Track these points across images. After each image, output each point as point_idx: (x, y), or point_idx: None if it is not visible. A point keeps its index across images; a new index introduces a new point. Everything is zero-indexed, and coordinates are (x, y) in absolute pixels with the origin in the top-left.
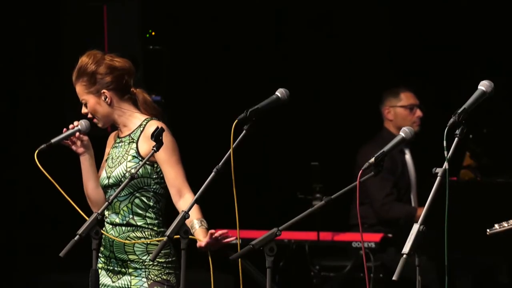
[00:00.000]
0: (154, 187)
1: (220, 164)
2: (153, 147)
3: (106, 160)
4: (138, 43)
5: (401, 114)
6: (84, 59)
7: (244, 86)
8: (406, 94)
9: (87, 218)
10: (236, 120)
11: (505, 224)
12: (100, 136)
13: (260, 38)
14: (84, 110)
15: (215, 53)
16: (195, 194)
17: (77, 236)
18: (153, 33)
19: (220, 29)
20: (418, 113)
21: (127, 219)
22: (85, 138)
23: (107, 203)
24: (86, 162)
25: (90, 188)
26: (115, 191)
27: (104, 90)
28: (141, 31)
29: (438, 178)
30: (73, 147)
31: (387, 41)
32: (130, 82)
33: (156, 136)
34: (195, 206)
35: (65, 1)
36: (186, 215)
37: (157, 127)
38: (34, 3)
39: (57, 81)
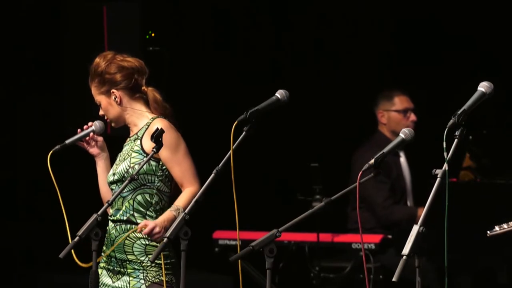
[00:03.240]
0: (158, 184)
1: (220, 165)
2: (153, 148)
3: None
4: (138, 44)
5: (395, 118)
6: (96, 60)
7: (244, 87)
8: (400, 98)
9: (70, 239)
10: (236, 122)
11: (505, 225)
12: (116, 136)
13: (260, 39)
14: (101, 112)
15: (215, 54)
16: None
17: (77, 238)
18: (153, 34)
19: (220, 30)
20: (412, 117)
21: (127, 215)
22: (100, 139)
23: (107, 204)
24: (101, 164)
25: (105, 189)
26: (118, 187)
27: (113, 90)
28: (141, 32)
29: (438, 179)
30: (88, 148)
31: (387, 43)
32: (141, 82)
33: (156, 138)
34: (184, 196)
35: (65, 1)
36: (186, 216)
37: (157, 128)
38: (34, 3)
39: (57, 81)
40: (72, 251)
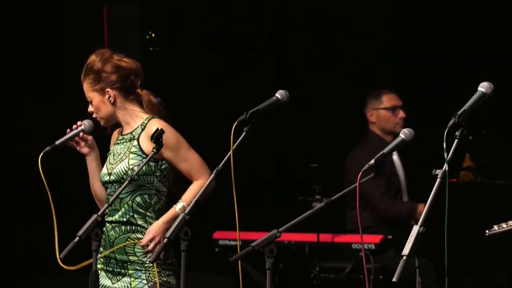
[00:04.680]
0: (156, 185)
1: (220, 165)
2: (153, 148)
3: (107, 156)
4: (138, 45)
5: (383, 116)
6: (92, 57)
7: (244, 88)
8: (388, 96)
9: (57, 244)
10: (236, 122)
11: (504, 225)
12: (100, 137)
13: (259, 39)
14: (90, 108)
15: (215, 55)
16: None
17: (77, 238)
18: (153, 35)
19: (220, 30)
20: (401, 114)
21: (127, 216)
22: (90, 138)
23: (107, 204)
24: (92, 163)
25: (97, 187)
26: (115, 187)
27: (108, 89)
28: (141, 32)
29: (438, 179)
30: (78, 148)
31: (387, 44)
32: (136, 83)
33: (156, 138)
34: (192, 189)
35: (65, 2)
36: (186, 217)
37: (157, 129)
38: (34, 4)
39: (57, 82)
40: (57, 251)
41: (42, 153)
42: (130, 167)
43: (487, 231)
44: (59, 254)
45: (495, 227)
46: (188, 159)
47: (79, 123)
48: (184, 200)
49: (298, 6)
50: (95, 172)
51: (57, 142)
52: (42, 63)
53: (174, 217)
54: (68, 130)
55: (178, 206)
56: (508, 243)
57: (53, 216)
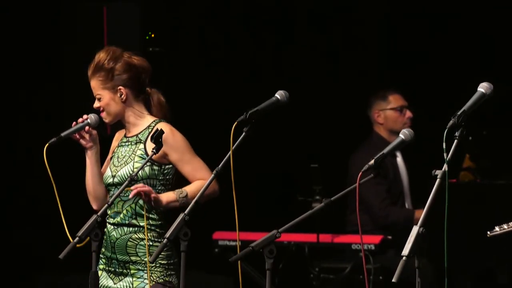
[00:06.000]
0: (159, 188)
1: (220, 166)
2: (153, 149)
3: (111, 158)
4: (138, 45)
5: (391, 117)
6: (102, 55)
7: (244, 88)
8: (395, 96)
9: (68, 235)
10: (236, 122)
11: (505, 226)
12: (102, 136)
13: (259, 40)
14: (96, 104)
15: (215, 55)
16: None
17: (77, 238)
18: (152, 35)
19: (220, 31)
20: (408, 114)
21: (129, 219)
22: (94, 132)
23: (107, 205)
24: (92, 157)
25: (92, 183)
26: (118, 190)
27: (121, 87)
28: (141, 32)
29: (438, 180)
30: (82, 141)
31: (386, 43)
32: (146, 82)
33: (156, 138)
34: (195, 184)
35: (65, 2)
36: (185, 217)
37: (156, 129)
38: (34, 4)
39: (57, 82)
40: (66, 228)
41: (47, 144)
42: (135, 170)
43: (488, 232)
44: (60, 254)
45: (497, 228)
46: (193, 163)
47: (85, 116)
48: (185, 188)
49: (298, 6)
50: (93, 166)
51: (62, 134)
52: (42, 62)
53: (168, 198)
54: (73, 123)
55: (177, 190)
56: (508, 243)
57: (58, 202)
